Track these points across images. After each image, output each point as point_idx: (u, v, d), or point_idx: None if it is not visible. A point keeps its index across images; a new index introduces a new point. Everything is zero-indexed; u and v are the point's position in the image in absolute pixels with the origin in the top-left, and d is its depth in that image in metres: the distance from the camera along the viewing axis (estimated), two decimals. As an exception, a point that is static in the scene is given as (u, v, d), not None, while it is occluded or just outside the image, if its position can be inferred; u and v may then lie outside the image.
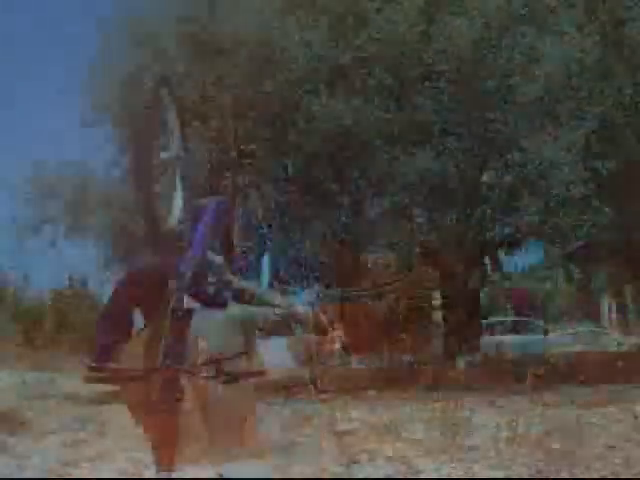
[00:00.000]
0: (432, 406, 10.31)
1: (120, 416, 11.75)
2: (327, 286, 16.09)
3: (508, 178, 12.86)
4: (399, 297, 17.67)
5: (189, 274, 3.19)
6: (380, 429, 9.26)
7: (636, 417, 9.62)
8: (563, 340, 26.69)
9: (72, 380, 17.67)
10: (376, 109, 13.13)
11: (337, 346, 3.60)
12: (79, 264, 20.39)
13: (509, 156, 12.72)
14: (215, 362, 3.11)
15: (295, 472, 7.19)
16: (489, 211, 13.05)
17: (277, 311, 3.46)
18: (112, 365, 3.14)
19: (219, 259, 3.38)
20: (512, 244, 16.01)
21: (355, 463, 7.88)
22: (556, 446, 7.90)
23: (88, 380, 3.20)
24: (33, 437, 10.38)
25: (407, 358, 17.33)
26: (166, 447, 3.10)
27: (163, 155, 3.57)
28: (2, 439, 10.03)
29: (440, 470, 7.61)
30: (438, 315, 20.68)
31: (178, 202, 3.48)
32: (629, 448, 8.01)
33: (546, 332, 29.79)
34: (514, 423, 8.67)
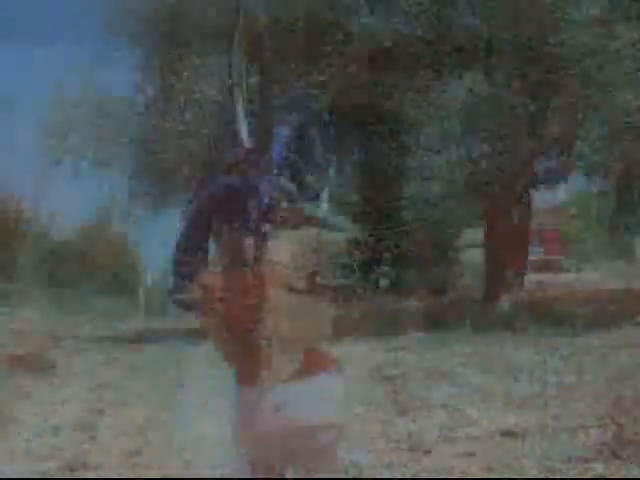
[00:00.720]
0: (483, 348, 9.78)
1: (149, 357, 11.48)
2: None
3: (566, 102, 12.04)
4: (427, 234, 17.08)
5: (269, 195, 3.27)
6: (430, 373, 8.66)
7: None
8: (596, 278, 26.21)
9: (99, 320, 17.41)
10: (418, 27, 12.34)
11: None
12: (104, 198, 19.84)
13: (568, 77, 11.89)
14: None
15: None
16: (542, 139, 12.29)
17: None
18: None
19: (291, 185, 3.38)
20: (558, 177, 15.22)
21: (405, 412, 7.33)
22: (625, 393, 7.23)
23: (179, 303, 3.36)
24: (59, 381, 9.94)
25: (445, 297, 16.84)
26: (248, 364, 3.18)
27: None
28: (27, 383, 9.62)
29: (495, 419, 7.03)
30: (471, 253, 20.10)
31: (243, 126, 3.52)
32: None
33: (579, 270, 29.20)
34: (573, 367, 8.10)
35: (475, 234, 19.02)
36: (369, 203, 14.77)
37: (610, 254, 38.15)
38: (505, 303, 13.94)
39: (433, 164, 12.38)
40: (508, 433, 6.61)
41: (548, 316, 12.47)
